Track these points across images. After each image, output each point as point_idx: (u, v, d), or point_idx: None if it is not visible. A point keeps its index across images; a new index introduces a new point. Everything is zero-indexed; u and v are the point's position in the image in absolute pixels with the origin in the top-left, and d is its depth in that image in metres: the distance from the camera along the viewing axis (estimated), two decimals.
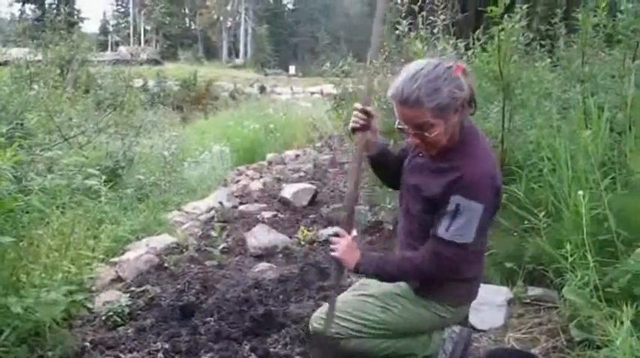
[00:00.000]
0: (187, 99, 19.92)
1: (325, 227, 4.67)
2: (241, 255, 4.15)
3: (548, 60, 4.35)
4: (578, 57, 3.87)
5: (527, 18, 3.74)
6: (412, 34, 4.30)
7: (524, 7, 3.66)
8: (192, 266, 3.82)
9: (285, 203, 5.77)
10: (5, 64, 7.61)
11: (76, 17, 39.77)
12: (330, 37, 58.31)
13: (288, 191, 5.90)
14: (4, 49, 8.72)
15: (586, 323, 2.34)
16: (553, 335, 2.57)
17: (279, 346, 2.59)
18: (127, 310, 2.99)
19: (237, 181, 7.57)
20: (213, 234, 4.41)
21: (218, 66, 45.24)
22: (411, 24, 4.45)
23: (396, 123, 1.87)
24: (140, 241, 4.28)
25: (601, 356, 2.12)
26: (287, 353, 2.52)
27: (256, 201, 6.11)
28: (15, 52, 8.10)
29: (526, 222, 2.99)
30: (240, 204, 5.91)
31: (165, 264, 3.77)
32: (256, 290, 3.27)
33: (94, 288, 3.27)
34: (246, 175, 8.04)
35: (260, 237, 4.27)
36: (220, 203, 5.46)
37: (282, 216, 5.35)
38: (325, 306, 2.08)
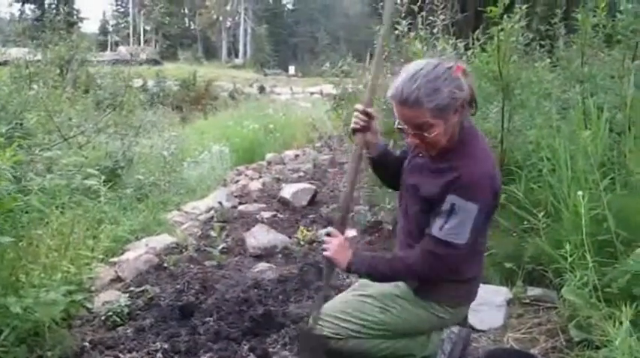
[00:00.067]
0: (187, 99, 19.91)
1: (325, 227, 4.67)
2: (241, 255, 4.15)
3: (548, 60, 4.35)
4: (577, 57, 3.88)
5: (526, 18, 3.75)
6: (412, 34, 4.31)
7: (524, 7, 3.67)
8: (192, 266, 3.81)
9: (284, 203, 5.77)
10: (5, 63, 7.62)
11: (75, 17, 39.77)
12: (329, 37, 58.32)
13: (287, 191, 5.90)
14: (4, 48, 8.72)
15: (585, 324, 2.34)
16: (552, 335, 2.57)
17: (279, 346, 2.60)
18: (126, 310, 2.99)
19: (237, 181, 7.57)
20: (213, 234, 4.41)
21: (217, 66, 45.24)
22: (410, 24, 4.45)
23: (396, 123, 1.87)
24: (139, 241, 4.28)
25: (600, 357, 2.12)
26: (286, 353, 2.52)
27: (256, 201, 6.11)
28: (14, 52, 8.11)
29: (525, 223, 2.99)
30: (240, 204, 5.91)
31: (165, 264, 3.77)
32: (255, 290, 3.27)
33: (93, 288, 3.27)
34: (246, 175, 8.03)
35: (259, 237, 4.27)
36: (220, 203, 5.46)
37: (281, 216, 5.35)
38: (324, 307, 2.08)
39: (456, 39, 4.51)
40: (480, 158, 1.84)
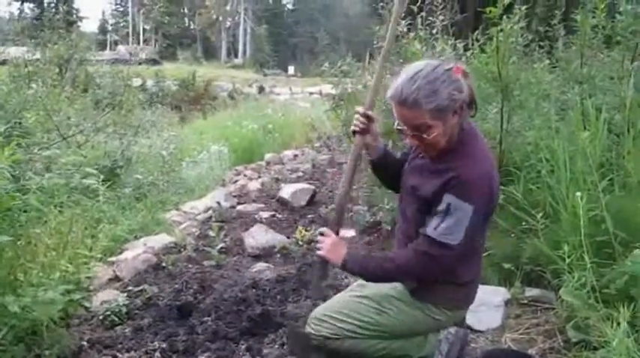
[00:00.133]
0: (186, 99, 19.92)
1: (323, 227, 4.66)
2: (239, 254, 4.15)
3: (547, 61, 4.36)
4: (576, 58, 3.89)
5: (526, 19, 3.75)
6: (411, 34, 4.31)
7: (523, 8, 3.67)
8: (190, 266, 3.81)
9: (283, 203, 5.77)
10: (4, 62, 7.62)
11: (74, 16, 39.63)
12: (329, 37, 58.29)
13: (286, 191, 5.90)
14: (3, 47, 8.72)
15: (583, 324, 2.34)
16: (550, 335, 2.57)
17: (276, 346, 2.60)
18: (124, 309, 2.99)
19: (236, 181, 7.56)
20: (211, 233, 4.41)
21: (217, 66, 45.24)
22: (410, 24, 4.45)
23: (395, 124, 1.87)
24: (138, 241, 4.28)
25: (597, 357, 2.12)
26: (283, 352, 2.52)
27: (254, 201, 6.11)
28: (13, 51, 8.12)
29: (524, 223, 2.99)
30: (238, 204, 5.91)
31: (163, 264, 3.76)
32: (254, 290, 3.27)
33: (91, 288, 3.27)
34: (245, 175, 8.02)
35: (258, 237, 4.27)
36: (218, 203, 5.46)
37: (280, 216, 5.35)
38: (322, 307, 2.08)
39: (456, 39, 4.50)
40: (479, 158, 1.84)
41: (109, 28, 57.91)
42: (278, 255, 4.10)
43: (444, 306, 2.01)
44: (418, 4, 4.53)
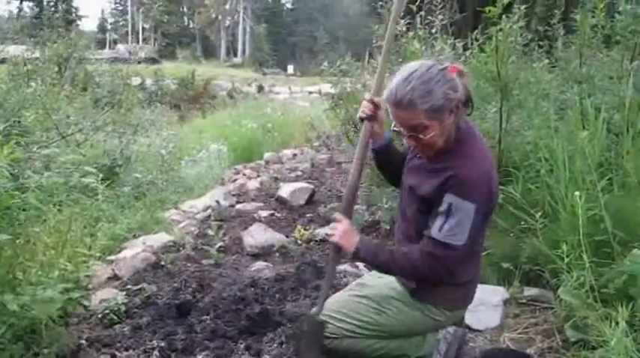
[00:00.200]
0: (185, 97, 19.93)
1: (322, 226, 4.67)
2: (238, 253, 4.15)
3: (546, 61, 4.36)
4: (576, 58, 3.89)
5: (525, 18, 3.75)
6: (410, 33, 4.31)
7: (523, 7, 3.67)
8: (189, 264, 3.81)
9: (282, 202, 5.77)
10: (3, 61, 7.60)
11: (73, 15, 39.61)
12: (328, 36, 58.30)
13: (285, 190, 5.89)
14: (2, 46, 8.71)
15: (581, 324, 2.35)
16: (548, 335, 2.57)
17: (275, 345, 2.60)
18: (123, 308, 2.98)
19: (235, 180, 7.56)
20: (210, 232, 4.40)
21: (216, 65, 45.23)
22: (409, 24, 4.46)
23: (392, 125, 1.87)
24: (137, 239, 4.28)
25: (596, 357, 2.12)
26: (282, 351, 2.52)
27: (253, 200, 6.10)
28: (12, 50, 8.11)
29: (523, 223, 3.00)
30: (237, 202, 5.91)
31: (162, 263, 3.76)
32: (252, 289, 3.27)
33: (90, 286, 3.26)
34: (244, 174, 8.02)
35: (257, 235, 4.27)
36: (217, 202, 5.45)
37: (279, 215, 5.34)
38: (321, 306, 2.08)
39: (455, 39, 4.51)
40: (477, 158, 1.84)
41: (109, 26, 57.96)
42: (277, 254, 4.10)
43: (443, 307, 2.00)
44: (417, 3, 4.53)
